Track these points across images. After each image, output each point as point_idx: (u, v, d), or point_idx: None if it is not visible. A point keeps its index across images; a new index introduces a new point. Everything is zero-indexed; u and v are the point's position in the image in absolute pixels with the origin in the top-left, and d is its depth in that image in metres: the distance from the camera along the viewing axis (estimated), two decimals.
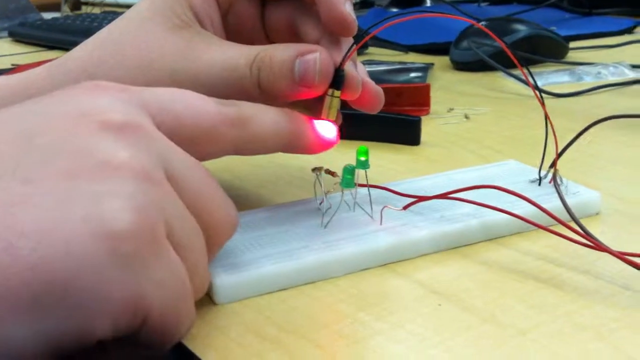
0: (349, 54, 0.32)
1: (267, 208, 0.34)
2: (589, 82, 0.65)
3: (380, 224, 0.32)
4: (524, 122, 0.53)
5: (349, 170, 0.31)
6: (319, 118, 0.33)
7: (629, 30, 0.91)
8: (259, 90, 0.32)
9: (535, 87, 0.34)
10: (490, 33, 0.36)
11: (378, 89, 0.35)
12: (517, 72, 0.65)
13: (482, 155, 0.46)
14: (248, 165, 0.44)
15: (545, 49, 0.73)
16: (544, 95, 0.60)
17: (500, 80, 0.67)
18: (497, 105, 0.58)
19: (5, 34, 0.99)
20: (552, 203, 0.33)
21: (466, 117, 0.54)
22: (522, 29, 0.73)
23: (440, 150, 0.47)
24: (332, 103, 0.33)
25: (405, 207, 0.33)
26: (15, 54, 0.86)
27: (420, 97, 0.55)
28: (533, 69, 0.69)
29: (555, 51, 0.75)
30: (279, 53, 0.32)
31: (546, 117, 0.35)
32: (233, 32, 0.36)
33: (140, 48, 0.33)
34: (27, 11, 1.08)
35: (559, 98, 0.59)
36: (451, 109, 0.56)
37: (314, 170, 0.33)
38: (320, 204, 0.33)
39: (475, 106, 0.57)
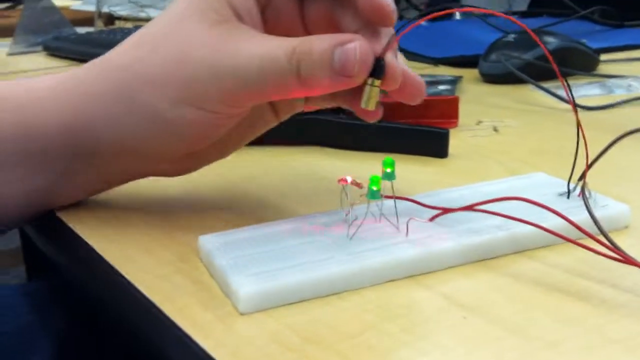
0: (389, 44, 0.32)
1: (292, 219, 0.34)
2: (619, 94, 0.64)
3: (406, 235, 0.32)
4: (553, 135, 0.53)
5: (375, 182, 0.31)
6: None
7: None
8: (298, 82, 0.32)
9: (570, 100, 0.34)
10: (534, 36, 0.36)
11: (419, 80, 0.35)
12: (546, 84, 0.65)
13: (511, 168, 0.45)
14: (272, 176, 0.44)
15: (576, 62, 0.73)
16: (570, 108, 0.59)
17: (530, 92, 0.66)
18: (526, 118, 0.58)
19: (40, 48, 1.00)
20: (580, 216, 0.32)
21: (495, 129, 0.54)
22: (552, 41, 0.72)
23: (468, 162, 0.47)
24: (372, 93, 0.33)
25: (431, 219, 0.33)
26: (49, 68, 0.87)
27: (448, 110, 0.55)
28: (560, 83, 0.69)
29: (586, 63, 0.74)
30: (319, 43, 0.32)
31: (579, 127, 0.34)
32: (271, 27, 0.36)
33: (178, 43, 0.33)
34: (61, 26, 1.10)
35: (589, 111, 0.59)
36: (480, 122, 0.56)
37: (339, 181, 0.33)
38: (346, 215, 0.33)
39: (504, 119, 0.57)
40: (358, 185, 0.33)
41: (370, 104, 0.33)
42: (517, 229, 0.32)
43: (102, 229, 0.37)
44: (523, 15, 1.17)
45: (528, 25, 1.02)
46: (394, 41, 0.33)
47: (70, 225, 0.37)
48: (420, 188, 0.39)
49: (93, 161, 0.36)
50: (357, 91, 0.33)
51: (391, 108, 0.54)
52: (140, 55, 0.34)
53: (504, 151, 0.49)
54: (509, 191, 0.37)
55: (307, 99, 0.39)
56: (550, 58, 0.33)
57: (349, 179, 0.33)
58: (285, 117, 0.39)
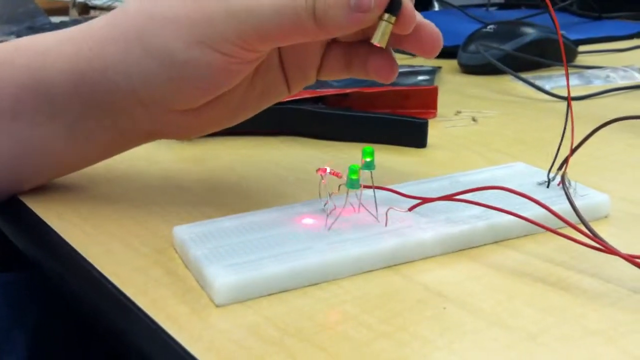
0: None
1: (269, 210, 0.34)
2: (598, 85, 0.64)
3: (385, 225, 0.31)
4: (532, 125, 0.53)
5: (354, 171, 0.31)
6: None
7: (638, 34, 0.90)
8: (314, 21, 0.32)
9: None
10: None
11: (436, 30, 0.35)
12: (526, 75, 0.65)
13: (490, 158, 0.45)
14: (251, 166, 0.44)
15: (554, 53, 0.73)
16: (548, 98, 0.59)
17: (509, 83, 0.66)
18: (505, 108, 0.58)
19: (13, 37, 0.98)
20: (560, 205, 0.32)
21: (473, 119, 0.54)
22: (530, 33, 0.72)
23: (447, 152, 0.47)
24: (385, 29, 0.33)
25: (410, 209, 0.32)
26: None
27: (427, 100, 0.55)
28: (541, 73, 0.69)
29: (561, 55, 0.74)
30: None
31: (567, 117, 0.34)
32: None
33: None
34: (35, 15, 1.08)
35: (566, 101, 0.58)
36: (459, 112, 0.55)
37: (318, 171, 0.32)
38: (324, 205, 0.33)
39: (483, 109, 0.57)
40: (337, 174, 0.33)
41: (382, 40, 0.33)
42: (496, 219, 0.32)
43: (75, 219, 0.36)
44: (501, 7, 1.17)
45: (506, 17, 1.03)
46: None
47: (40, 214, 0.37)
48: (400, 178, 0.38)
49: (106, 113, 0.36)
50: (368, 57, 0.35)
51: (370, 98, 0.54)
52: (150, 1, 0.34)
53: (483, 141, 0.49)
54: (488, 181, 0.37)
55: (320, 68, 0.38)
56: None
57: (328, 169, 0.32)
58: (296, 88, 0.39)
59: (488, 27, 0.74)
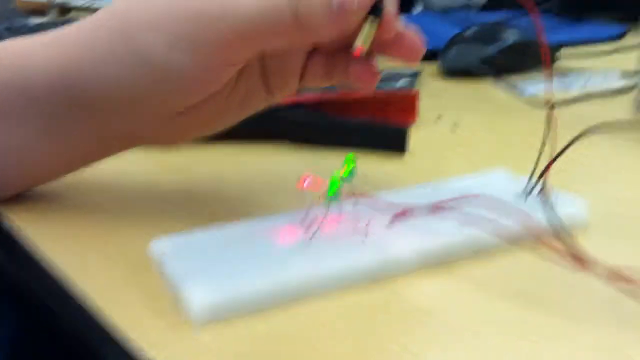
0: None
1: (249, 222, 0.33)
2: (577, 90, 0.64)
3: (366, 237, 0.31)
4: (513, 130, 0.53)
5: (334, 183, 0.31)
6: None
7: (619, 37, 0.91)
8: (297, 22, 0.32)
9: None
10: None
11: (418, 35, 0.35)
12: (507, 78, 0.65)
13: (472, 165, 0.45)
14: (230, 173, 0.43)
15: (535, 56, 0.72)
16: (529, 104, 0.59)
17: (490, 87, 0.66)
18: (487, 114, 0.58)
19: None
20: (540, 215, 0.32)
21: (455, 125, 0.53)
22: (510, 36, 0.72)
23: (428, 159, 0.47)
24: (369, 32, 0.33)
25: (392, 220, 0.32)
26: None
27: (408, 105, 0.54)
28: (521, 77, 0.69)
29: (540, 59, 0.74)
30: None
31: (548, 124, 0.34)
32: None
33: None
34: (13, 16, 1.07)
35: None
36: (440, 117, 0.55)
37: (299, 183, 0.32)
38: (304, 216, 0.33)
39: (464, 114, 0.56)
40: (315, 187, 0.32)
41: (366, 43, 0.33)
42: (475, 231, 0.32)
43: (50, 229, 0.35)
44: (482, 9, 1.17)
45: (487, 19, 1.03)
46: None
47: (14, 224, 0.36)
48: (381, 185, 0.38)
49: (87, 115, 0.35)
50: (350, 64, 0.35)
51: (349, 103, 0.54)
52: (136, 1, 0.34)
53: (464, 147, 0.49)
54: (469, 188, 0.36)
55: (302, 76, 0.38)
56: None
57: (306, 180, 0.32)
58: (278, 96, 0.38)
59: (469, 30, 0.74)
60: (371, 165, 0.45)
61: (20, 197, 0.38)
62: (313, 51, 0.37)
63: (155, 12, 0.33)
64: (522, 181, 0.37)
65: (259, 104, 0.39)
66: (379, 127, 0.48)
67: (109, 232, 0.35)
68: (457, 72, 0.70)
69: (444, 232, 0.32)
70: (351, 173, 0.32)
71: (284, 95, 0.39)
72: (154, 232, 0.33)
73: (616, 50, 0.81)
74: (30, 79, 0.35)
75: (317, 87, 0.39)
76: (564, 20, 1.01)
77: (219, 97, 0.36)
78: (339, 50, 0.37)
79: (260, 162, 0.46)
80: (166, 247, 0.31)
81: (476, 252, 0.32)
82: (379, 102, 0.54)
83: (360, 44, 0.33)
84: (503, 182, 0.38)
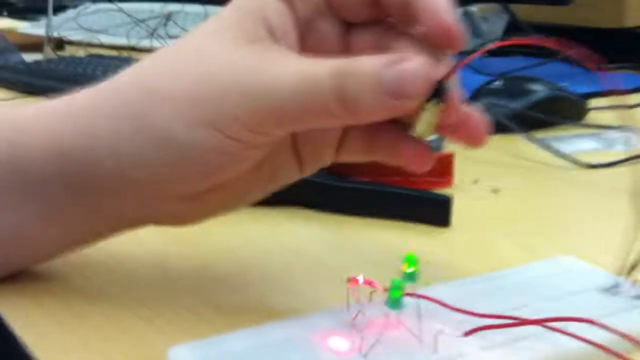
0: (454, 67, 0.28)
1: (287, 322, 0.28)
2: (620, 150, 0.59)
3: (435, 351, 0.26)
4: (560, 200, 0.48)
5: (398, 287, 0.25)
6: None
7: None
8: (341, 106, 0.27)
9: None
10: None
11: (483, 118, 0.30)
12: (539, 135, 0.60)
13: (523, 244, 0.40)
14: (253, 250, 0.38)
15: (564, 110, 0.68)
16: (570, 165, 0.55)
17: (521, 145, 0.61)
18: (525, 177, 0.53)
19: None
20: (635, 322, 0.27)
21: (495, 191, 0.49)
22: (539, 89, 0.68)
23: (472, 234, 0.41)
24: (431, 119, 0.28)
25: (467, 333, 0.27)
26: None
27: (441, 167, 0.49)
28: (551, 133, 0.64)
29: (574, 112, 0.70)
30: (368, 60, 0.27)
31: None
32: (312, 54, 0.30)
33: (204, 60, 0.28)
34: (7, 52, 1.02)
35: (592, 169, 0.54)
36: (476, 181, 0.50)
37: (349, 282, 0.27)
38: (354, 318, 0.27)
39: (500, 177, 0.52)
40: (371, 284, 0.27)
41: (427, 131, 0.28)
42: (562, 341, 0.27)
43: (43, 321, 0.30)
44: (492, 54, 1.13)
45: (505, 66, 0.98)
46: (459, 66, 0.28)
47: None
48: (425, 270, 0.33)
49: (89, 197, 0.30)
50: (399, 142, 0.31)
51: (375, 164, 0.49)
52: (157, 72, 0.29)
53: (510, 220, 0.44)
54: (538, 283, 0.31)
55: (339, 149, 0.33)
56: None
57: (361, 279, 0.27)
58: (310, 170, 0.33)
59: (495, 82, 0.69)
60: (408, 242, 0.40)
61: (9, 277, 0.33)
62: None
63: (174, 88, 0.28)
64: (599, 274, 0.32)
65: (288, 179, 0.34)
66: (417, 197, 0.43)
67: (112, 327, 0.30)
68: None
69: (527, 343, 0.26)
70: (412, 276, 0.26)
71: (317, 169, 0.34)
72: (166, 329, 0.29)
73: None
74: (26, 157, 0.30)
75: (356, 161, 0.34)
76: (583, 69, 0.97)
77: (243, 176, 0.31)
78: (384, 124, 0.32)
79: (279, 233, 0.41)
80: (189, 357, 0.26)
81: None
82: None
83: (421, 132, 0.28)
84: (577, 274, 0.33)
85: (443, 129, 0.29)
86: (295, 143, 0.32)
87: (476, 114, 0.30)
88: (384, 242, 0.40)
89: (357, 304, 0.27)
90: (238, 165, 0.29)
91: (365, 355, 0.25)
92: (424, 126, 0.28)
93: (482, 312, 0.27)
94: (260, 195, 0.33)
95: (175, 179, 0.29)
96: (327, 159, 0.33)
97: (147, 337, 0.29)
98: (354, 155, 0.33)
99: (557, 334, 0.27)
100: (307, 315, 0.29)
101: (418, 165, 0.31)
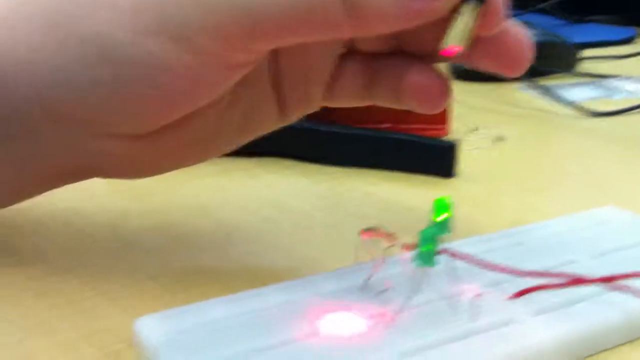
0: None
1: (279, 286, 0.22)
2: (621, 99, 0.55)
3: (474, 321, 0.20)
4: (568, 148, 0.43)
5: (429, 238, 0.20)
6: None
7: (630, 40, 0.82)
8: (347, 14, 0.21)
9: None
10: None
11: (524, 34, 0.24)
12: (534, 83, 0.55)
13: (543, 196, 0.35)
14: (229, 205, 0.32)
15: (556, 58, 0.63)
16: (575, 113, 0.50)
17: (517, 93, 0.56)
18: (528, 125, 0.48)
19: None
20: None
21: (499, 140, 0.43)
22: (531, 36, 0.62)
23: (480, 185, 0.36)
24: (466, 26, 0.22)
25: (516, 296, 0.21)
26: None
27: (436, 114, 0.44)
28: (545, 81, 0.59)
29: (566, 61, 0.65)
30: None
31: None
32: None
33: None
34: None
35: (596, 117, 0.49)
36: (475, 129, 0.45)
37: (363, 234, 0.21)
38: (368, 280, 0.22)
39: (501, 125, 0.46)
40: (391, 238, 0.21)
41: (463, 39, 0.22)
42: (631, 304, 0.21)
43: None
44: None
45: None
46: None
47: None
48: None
49: (16, 133, 0.23)
50: (406, 71, 0.24)
51: (363, 110, 0.43)
52: None
53: (521, 169, 0.39)
54: (581, 235, 0.26)
55: (330, 87, 0.26)
56: None
57: (377, 232, 0.21)
58: (293, 114, 0.27)
59: None
60: (410, 195, 0.34)
61: None
62: (348, 52, 0.26)
63: None
64: None
65: (267, 123, 0.27)
66: (417, 142, 0.37)
67: (62, 302, 0.24)
68: (472, 74, 0.60)
69: (588, 308, 0.21)
70: (443, 226, 0.21)
71: (303, 113, 0.27)
72: (126, 301, 0.23)
73: (636, 54, 0.72)
74: None
75: (350, 104, 0.27)
76: (564, 21, 0.92)
77: (211, 112, 0.24)
78: (387, 54, 0.26)
79: (258, 186, 0.35)
80: (158, 331, 0.20)
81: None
82: (398, 110, 0.43)
83: (456, 41, 0.22)
84: (623, 225, 0.27)
85: (479, 44, 0.23)
86: (277, 76, 0.26)
87: (517, 29, 0.24)
88: (382, 195, 0.34)
89: (371, 261, 0.21)
90: (205, 93, 0.23)
91: (387, 326, 0.20)
92: (459, 35, 0.22)
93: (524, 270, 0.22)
94: (232, 146, 0.27)
95: (120, 110, 0.22)
96: (315, 99, 0.27)
97: (104, 311, 0.23)
98: (347, 94, 0.27)
99: (620, 294, 0.21)
100: (307, 277, 0.23)
101: (430, 99, 0.25)
